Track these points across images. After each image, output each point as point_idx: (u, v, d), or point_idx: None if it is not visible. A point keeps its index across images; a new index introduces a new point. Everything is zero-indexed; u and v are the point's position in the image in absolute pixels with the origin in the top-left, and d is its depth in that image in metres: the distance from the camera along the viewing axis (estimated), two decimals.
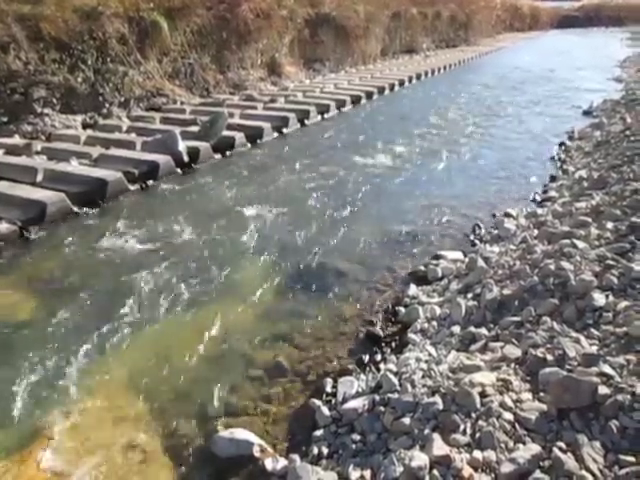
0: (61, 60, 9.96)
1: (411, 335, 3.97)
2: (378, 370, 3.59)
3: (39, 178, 7.13)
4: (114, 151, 8.38)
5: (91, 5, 10.62)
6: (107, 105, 10.84)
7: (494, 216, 6.50)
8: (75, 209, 6.59)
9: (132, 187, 7.45)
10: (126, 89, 11.24)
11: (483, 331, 3.63)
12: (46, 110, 9.70)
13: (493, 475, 2.30)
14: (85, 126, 10.16)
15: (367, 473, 2.58)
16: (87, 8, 10.53)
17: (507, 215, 6.33)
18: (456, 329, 3.83)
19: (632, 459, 2.17)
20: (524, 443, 2.40)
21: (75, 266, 5.35)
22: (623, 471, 2.14)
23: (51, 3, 9.99)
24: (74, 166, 7.70)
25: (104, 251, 5.65)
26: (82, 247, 5.73)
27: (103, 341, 4.11)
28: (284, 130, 10.90)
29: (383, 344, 4.05)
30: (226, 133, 9.50)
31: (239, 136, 9.65)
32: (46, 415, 3.39)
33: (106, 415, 3.41)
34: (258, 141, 10.09)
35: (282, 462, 2.90)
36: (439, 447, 2.44)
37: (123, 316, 4.43)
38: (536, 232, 5.22)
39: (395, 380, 3.14)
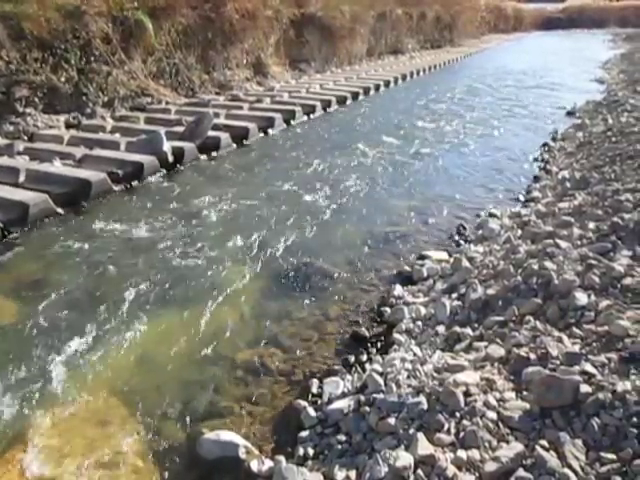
0: (44, 59, 9.79)
1: (396, 335, 3.98)
2: (364, 370, 3.59)
3: (21, 179, 7.02)
4: (98, 151, 8.28)
5: (74, 4, 10.49)
6: (91, 105, 10.69)
7: (478, 216, 6.56)
8: (58, 210, 6.51)
9: (116, 188, 7.38)
10: (110, 89, 11.10)
11: (467, 331, 3.66)
12: (28, 110, 9.55)
13: (477, 474, 2.31)
14: (68, 126, 10.01)
15: (352, 473, 2.59)
16: (70, 7, 10.39)
17: (491, 215, 6.38)
18: (441, 329, 3.86)
19: (613, 456, 2.21)
20: (507, 442, 2.42)
21: (57, 268, 5.29)
22: (604, 468, 2.17)
23: (33, 1, 9.83)
24: (57, 167, 7.60)
25: (86, 253, 5.59)
26: (65, 249, 5.66)
27: (86, 342, 4.06)
28: (270, 130, 10.86)
29: (369, 344, 4.05)
30: (211, 133, 9.44)
31: (224, 136, 9.60)
32: (28, 418, 3.34)
33: (90, 418, 3.37)
34: (244, 141, 10.05)
35: (268, 463, 2.89)
36: (424, 447, 2.45)
37: (106, 317, 4.39)
38: (520, 232, 5.27)
39: (380, 380, 3.15)
